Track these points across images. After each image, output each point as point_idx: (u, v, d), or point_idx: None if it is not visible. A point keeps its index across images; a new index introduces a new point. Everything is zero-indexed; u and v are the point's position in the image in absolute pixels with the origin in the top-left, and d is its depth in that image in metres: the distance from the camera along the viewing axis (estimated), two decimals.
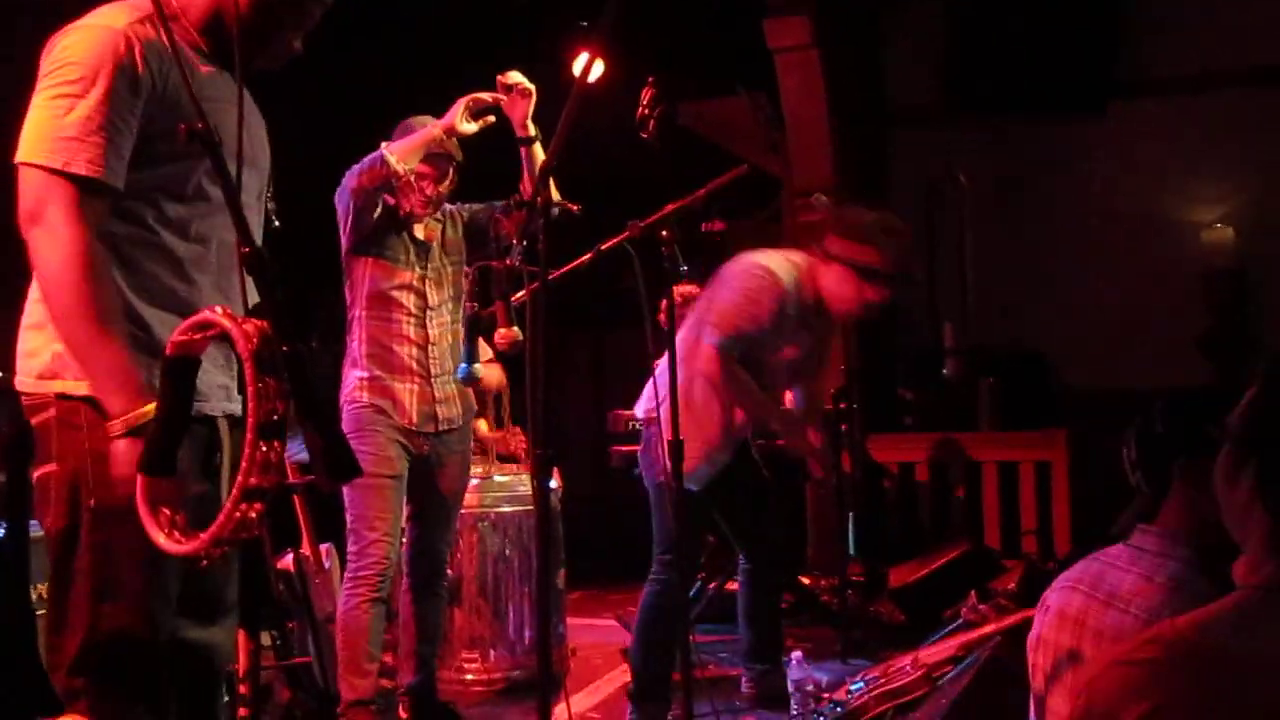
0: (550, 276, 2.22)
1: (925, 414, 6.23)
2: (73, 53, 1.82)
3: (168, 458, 1.61)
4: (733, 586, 4.30)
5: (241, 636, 1.53)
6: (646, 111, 3.41)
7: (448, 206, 3.49)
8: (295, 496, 3.48)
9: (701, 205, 3.07)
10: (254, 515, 1.46)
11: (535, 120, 3.18)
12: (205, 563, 1.50)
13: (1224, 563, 1.22)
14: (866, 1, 6.76)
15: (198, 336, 1.56)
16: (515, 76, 3.13)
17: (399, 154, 3.10)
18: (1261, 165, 6.23)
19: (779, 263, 3.45)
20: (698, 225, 6.61)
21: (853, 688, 3.22)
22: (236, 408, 1.79)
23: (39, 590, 3.02)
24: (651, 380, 3.39)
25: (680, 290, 5.01)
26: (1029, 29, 6.19)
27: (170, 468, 1.61)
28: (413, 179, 3.19)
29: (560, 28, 5.31)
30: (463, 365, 3.18)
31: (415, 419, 3.33)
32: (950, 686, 2.91)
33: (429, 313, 3.37)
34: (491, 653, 4.07)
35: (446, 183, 3.35)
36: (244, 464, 1.44)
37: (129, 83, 1.81)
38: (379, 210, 3.28)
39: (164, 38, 1.82)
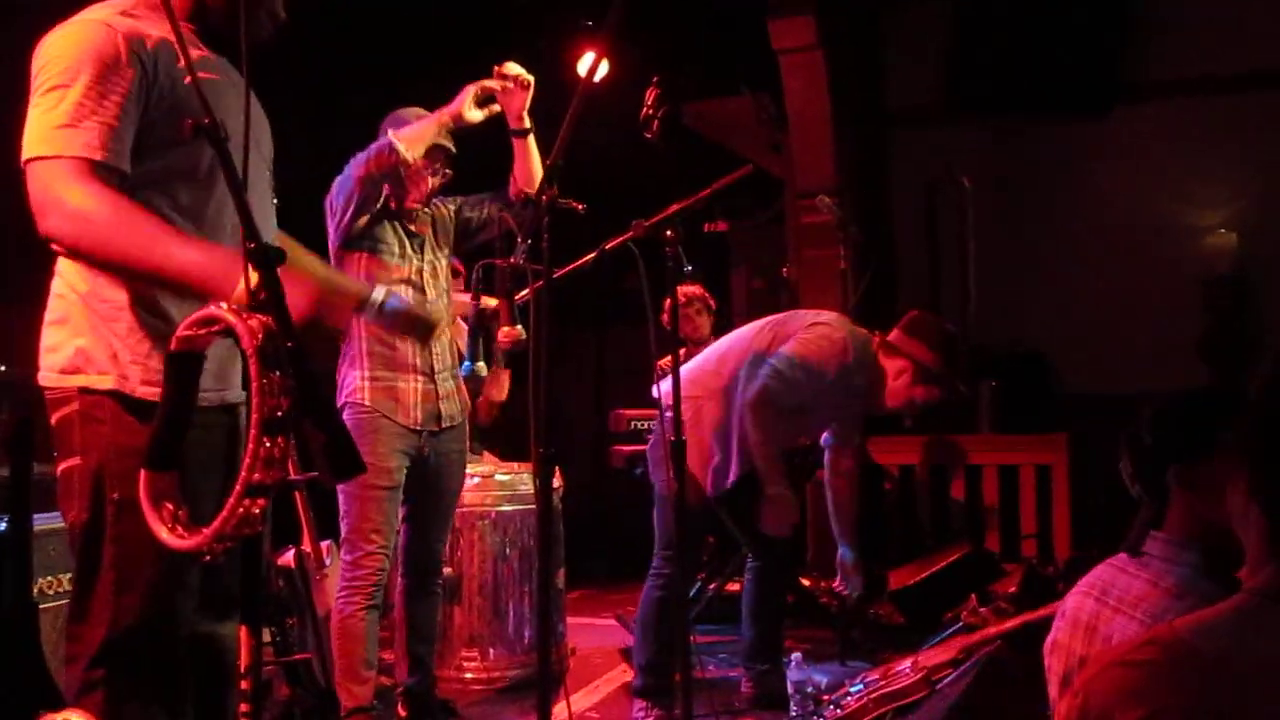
0: (554, 275, 2.22)
1: (925, 416, 6.22)
2: (55, 50, 1.82)
3: (171, 452, 1.61)
4: (733, 587, 4.31)
5: (243, 632, 1.53)
6: (651, 112, 3.42)
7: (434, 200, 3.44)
8: (296, 493, 3.45)
9: (704, 205, 3.08)
10: (257, 511, 1.46)
11: (532, 115, 3.16)
12: (208, 558, 1.50)
13: (1232, 566, 1.22)
14: (868, 1, 6.76)
15: (202, 331, 1.56)
16: (514, 68, 3.11)
17: (406, 141, 3.05)
18: (1264, 169, 6.22)
19: (854, 331, 3.58)
20: (700, 226, 6.62)
21: (852, 690, 3.21)
22: None
23: (40, 584, 3.02)
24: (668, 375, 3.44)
25: (683, 291, 5.04)
26: (1031, 30, 6.18)
27: (173, 462, 1.61)
28: (421, 168, 3.15)
29: (559, 27, 5.33)
30: (465, 363, 3.17)
31: (420, 418, 3.28)
32: (950, 689, 2.91)
33: (428, 307, 3.30)
34: (491, 651, 4.07)
35: (440, 177, 3.30)
36: (247, 459, 1.44)
37: (115, 68, 1.81)
38: (380, 203, 3.24)
39: (148, 28, 1.84)
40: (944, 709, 2.78)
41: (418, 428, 3.29)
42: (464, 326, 4.46)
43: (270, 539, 2.07)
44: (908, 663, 3.19)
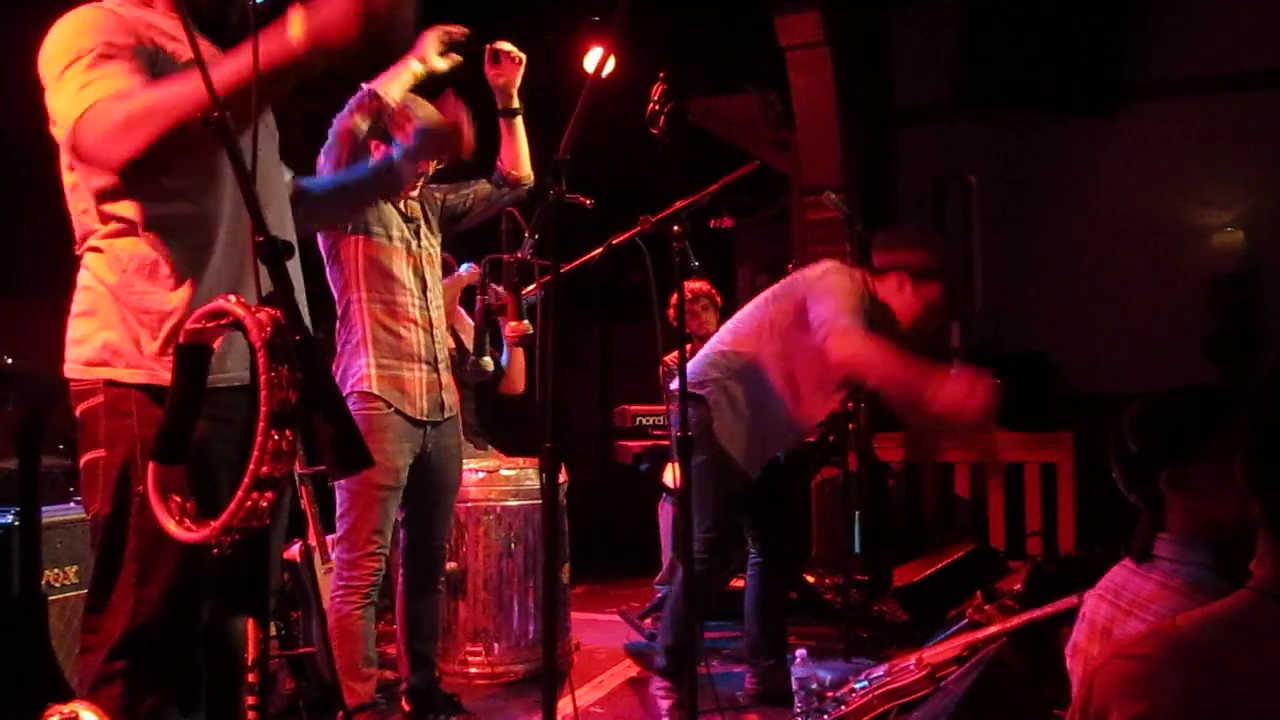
0: (561, 270, 2.22)
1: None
2: (58, 39, 1.84)
3: (179, 444, 1.61)
4: (737, 584, 4.31)
5: (250, 625, 1.53)
6: (657, 108, 3.42)
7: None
8: (302, 486, 3.45)
9: (709, 202, 3.08)
10: (264, 504, 1.46)
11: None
12: (216, 550, 1.51)
13: (1243, 559, 1.21)
14: None
15: (211, 325, 1.56)
16: (506, 45, 3.10)
17: (383, 86, 3.02)
18: (1270, 167, 6.21)
19: (842, 266, 3.57)
20: (705, 222, 6.61)
21: (856, 686, 3.21)
22: None
23: (48, 576, 3.03)
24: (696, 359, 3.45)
25: (690, 286, 5.05)
26: (1038, 28, 6.17)
27: (181, 455, 1.62)
28: (406, 110, 3.06)
29: (560, 23, 5.32)
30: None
31: (425, 408, 3.23)
32: (954, 687, 2.91)
33: (429, 294, 3.26)
34: (495, 646, 4.08)
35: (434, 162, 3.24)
36: (255, 452, 1.44)
37: (119, 38, 1.82)
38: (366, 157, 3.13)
39: (148, 17, 1.87)
40: (948, 706, 2.77)
41: (423, 419, 3.24)
42: (466, 320, 4.46)
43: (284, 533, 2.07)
44: (912, 660, 3.19)
